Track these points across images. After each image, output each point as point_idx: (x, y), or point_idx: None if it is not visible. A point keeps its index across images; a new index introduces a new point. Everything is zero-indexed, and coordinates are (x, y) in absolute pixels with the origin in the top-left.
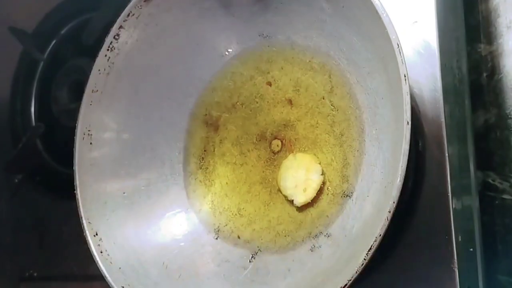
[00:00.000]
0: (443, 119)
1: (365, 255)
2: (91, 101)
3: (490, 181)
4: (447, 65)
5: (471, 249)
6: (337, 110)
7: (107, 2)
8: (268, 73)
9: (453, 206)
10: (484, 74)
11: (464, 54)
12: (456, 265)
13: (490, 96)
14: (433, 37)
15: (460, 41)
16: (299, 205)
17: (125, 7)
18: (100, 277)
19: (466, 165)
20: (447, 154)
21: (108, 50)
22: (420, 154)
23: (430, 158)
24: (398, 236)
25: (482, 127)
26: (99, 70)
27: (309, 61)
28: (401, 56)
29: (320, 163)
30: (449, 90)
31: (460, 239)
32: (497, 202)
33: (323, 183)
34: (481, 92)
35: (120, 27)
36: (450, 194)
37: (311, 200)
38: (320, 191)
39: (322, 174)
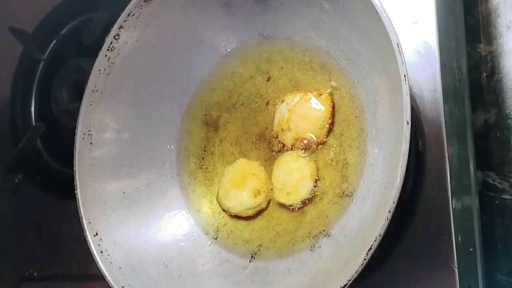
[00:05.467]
0: (443, 119)
1: (365, 255)
2: (91, 101)
3: (490, 181)
4: (447, 65)
5: (471, 249)
6: (337, 110)
7: (107, 2)
8: (268, 73)
9: (453, 206)
10: (484, 74)
11: (464, 54)
12: (456, 265)
13: (490, 96)
14: (433, 37)
15: (460, 41)
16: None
17: (125, 7)
18: (100, 277)
19: (466, 165)
20: (447, 154)
21: (108, 50)
22: (420, 154)
23: (430, 158)
24: (398, 236)
25: (482, 127)
26: (99, 70)
27: (309, 61)
28: (401, 56)
29: (317, 178)
30: (449, 90)
31: (460, 239)
32: (497, 202)
33: (317, 180)
34: (481, 92)
35: (120, 27)
36: (450, 194)
37: (311, 200)
38: (316, 194)
39: (313, 188)
